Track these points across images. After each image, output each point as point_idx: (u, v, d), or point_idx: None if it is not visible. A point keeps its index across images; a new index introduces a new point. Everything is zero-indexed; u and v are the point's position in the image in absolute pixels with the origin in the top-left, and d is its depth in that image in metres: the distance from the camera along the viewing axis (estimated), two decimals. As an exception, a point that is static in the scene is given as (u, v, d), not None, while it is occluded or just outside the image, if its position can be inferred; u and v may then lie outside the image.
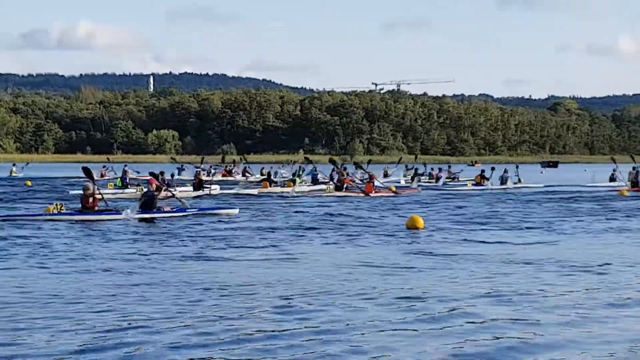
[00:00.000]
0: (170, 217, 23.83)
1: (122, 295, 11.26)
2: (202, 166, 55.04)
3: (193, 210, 25.25)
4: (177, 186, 37.86)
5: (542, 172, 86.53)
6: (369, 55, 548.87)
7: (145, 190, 24.62)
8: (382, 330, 9.21)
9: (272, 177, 47.11)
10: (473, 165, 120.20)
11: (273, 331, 9.10)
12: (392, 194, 37.31)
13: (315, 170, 48.43)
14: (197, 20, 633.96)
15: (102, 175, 57.11)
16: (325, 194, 37.06)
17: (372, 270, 13.85)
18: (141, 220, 22.97)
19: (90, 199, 23.43)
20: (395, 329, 9.29)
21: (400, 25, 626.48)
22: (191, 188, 37.66)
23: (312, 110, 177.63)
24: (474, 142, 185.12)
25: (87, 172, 24.71)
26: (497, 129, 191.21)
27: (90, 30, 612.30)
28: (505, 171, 48.46)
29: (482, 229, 21.79)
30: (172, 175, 49.33)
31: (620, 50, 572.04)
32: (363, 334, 9.05)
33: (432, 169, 56.89)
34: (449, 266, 14.45)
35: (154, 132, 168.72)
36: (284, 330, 9.14)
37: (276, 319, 9.80)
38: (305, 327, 9.36)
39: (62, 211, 23.08)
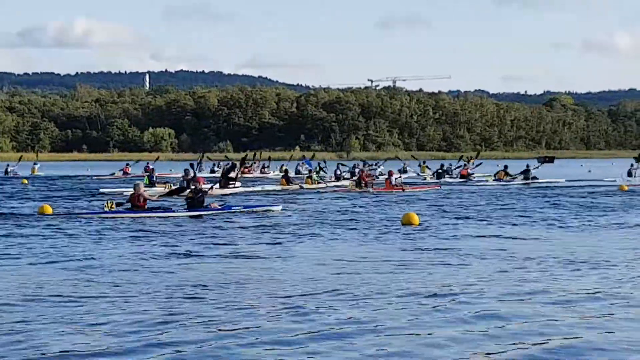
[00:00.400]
0: (217, 214, 24.38)
1: (137, 296, 11.31)
2: (222, 163, 55.97)
3: (239, 207, 25.94)
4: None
5: (538, 168, 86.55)
6: (364, 52, 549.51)
7: (193, 187, 25.39)
8: (399, 332, 9.13)
9: (289, 174, 47.74)
10: (468, 161, 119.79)
11: (289, 333, 9.02)
12: (411, 190, 38.23)
13: (338, 168, 50.02)
14: (193, 18, 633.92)
15: (125, 173, 57.57)
16: (346, 190, 38.49)
17: (382, 267, 13.86)
18: (191, 217, 23.59)
19: (141, 198, 23.95)
20: (411, 330, 9.23)
21: (396, 22, 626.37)
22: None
23: (308, 107, 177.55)
24: (470, 138, 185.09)
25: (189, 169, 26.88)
26: (493, 124, 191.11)
27: (86, 28, 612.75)
28: (528, 167, 48.91)
29: (493, 224, 21.87)
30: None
31: (615, 46, 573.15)
32: (384, 335, 8.99)
33: (450, 164, 56.72)
34: (459, 263, 14.44)
35: (150, 130, 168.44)
36: (303, 332, 9.05)
37: (292, 319, 9.73)
38: (322, 328, 9.28)
39: (112, 209, 23.57)
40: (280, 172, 52.83)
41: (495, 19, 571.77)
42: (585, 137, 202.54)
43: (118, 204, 24.05)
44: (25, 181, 49.27)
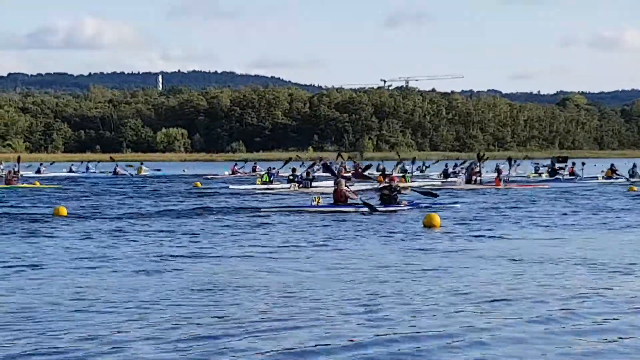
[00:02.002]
0: (403, 210, 25.98)
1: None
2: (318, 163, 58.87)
3: (424, 204, 27.22)
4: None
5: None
6: (375, 52, 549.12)
7: (388, 185, 27.09)
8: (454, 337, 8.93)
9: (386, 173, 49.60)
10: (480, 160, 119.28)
11: (356, 339, 8.79)
12: (521, 187, 39.91)
13: (446, 166, 53.86)
14: (197, 17, 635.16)
15: (233, 172, 61.69)
16: (456, 187, 40.18)
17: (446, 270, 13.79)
18: (383, 212, 25.22)
19: (343, 194, 26.00)
20: (460, 336, 9.01)
21: (402, 20, 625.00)
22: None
23: (321, 107, 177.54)
24: (483, 138, 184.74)
25: (327, 168, 30.11)
26: (506, 124, 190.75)
27: (94, 28, 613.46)
28: (634, 165, 49.16)
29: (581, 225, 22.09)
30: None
31: (624, 43, 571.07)
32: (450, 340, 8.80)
33: (557, 163, 58.07)
34: (523, 266, 14.21)
35: (163, 130, 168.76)
36: (368, 339, 8.80)
37: (356, 323, 9.55)
38: (387, 333, 9.06)
39: (319, 203, 26.12)
40: (377, 171, 55.65)
41: (501, 16, 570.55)
42: (599, 137, 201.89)
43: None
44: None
